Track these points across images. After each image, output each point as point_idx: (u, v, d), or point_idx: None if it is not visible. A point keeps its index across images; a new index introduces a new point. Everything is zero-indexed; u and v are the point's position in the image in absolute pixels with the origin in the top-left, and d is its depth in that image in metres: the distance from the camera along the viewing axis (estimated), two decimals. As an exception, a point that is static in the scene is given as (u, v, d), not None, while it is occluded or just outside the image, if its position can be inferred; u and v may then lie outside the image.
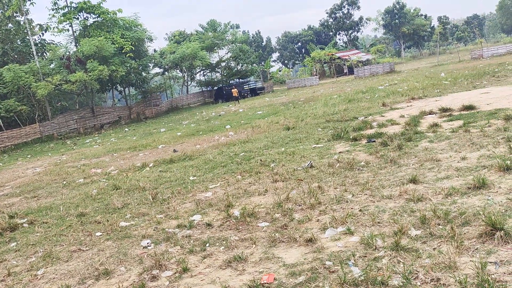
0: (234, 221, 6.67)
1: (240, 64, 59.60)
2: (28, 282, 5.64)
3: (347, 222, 5.78)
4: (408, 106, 16.39)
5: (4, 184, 15.35)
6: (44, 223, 8.57)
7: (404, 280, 4.02)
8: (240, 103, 37.21)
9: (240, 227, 6.39)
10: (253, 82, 56.06)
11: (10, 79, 34.58)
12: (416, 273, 4.13)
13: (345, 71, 62.34)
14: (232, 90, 42.42)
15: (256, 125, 18.56)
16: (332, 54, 63.76)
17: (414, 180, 6.95)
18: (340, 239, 5.34)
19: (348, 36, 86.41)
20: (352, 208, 6.32)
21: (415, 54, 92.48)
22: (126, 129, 33.53)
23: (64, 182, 13.27)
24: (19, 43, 42.03)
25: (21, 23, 40.97)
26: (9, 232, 8.24)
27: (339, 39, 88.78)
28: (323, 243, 5.29)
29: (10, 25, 41.11)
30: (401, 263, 4.38)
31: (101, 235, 7.19)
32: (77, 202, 10.01)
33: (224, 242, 5.91)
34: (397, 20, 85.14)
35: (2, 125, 34.67)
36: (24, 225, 8.58)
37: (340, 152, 10.41)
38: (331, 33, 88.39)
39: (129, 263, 5.76)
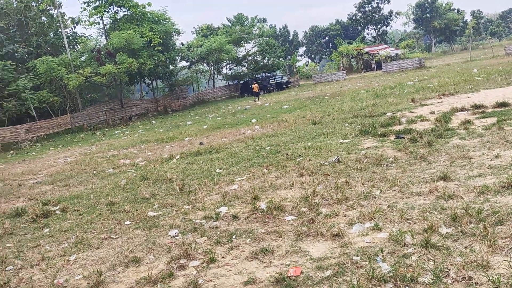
0: (260, 214, 6.70)
1: (267, 58, 59.49)
2: (61, 267, 5.82)
3: (375, 218, 5.72)
4: (438, 102, 16.04)
5: (37, 172, 15.83)
6: (76, 210, 8.81)
7: (434, 278, 3.96)
8: (259, 100, 36.53)
9: (267, 220, 6.41)
10: (279, 76, 55.85)
11: (43, 70, 35.54)
12: (447, 271, 4.06)
13: (373, 66, 61.44)
14: (253, 85, 40.54)
15: (282, 119, 18.53)
16: (360, 49, 62.88)
17: (445, 178, 6.82)
18: (368, 234, 5.30)
19: (377, 30, 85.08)
20: (380, 204, 6.25)
21: (446, 49, 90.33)
22: (153, 121, 34.00)
23: (94, 172, 13.59)
24: (52, 36, 43.11)
25: (54, 16, 41.97)
26: (43, 218, 8.51)
27: (368, 34, 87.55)
28: (351, 238, 5.26)
29: (43, 18, 42.18)
30: (431, 260, 4.32)
31: (130, 223, 7.34)
32: (107, 191, 10.24)
33: (251, 234, 5.95)
34: (428, 14, 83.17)
35: (35, 115, 35.70)
36: (56, 212, 8.84)
37: (368, 147, 10.29)
38: (359, 28, 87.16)
39: (158, 252, 5.86)
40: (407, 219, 5.53)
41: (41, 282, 5.41)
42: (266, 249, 5.26)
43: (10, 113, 34.45)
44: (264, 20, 64.60)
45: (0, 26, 37.58)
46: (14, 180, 14.70)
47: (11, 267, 6.09)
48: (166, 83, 49.26)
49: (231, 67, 61.61)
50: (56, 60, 36.55)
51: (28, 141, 31.79)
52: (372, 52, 62.49)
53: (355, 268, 4.45)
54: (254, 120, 21.00)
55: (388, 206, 6.09)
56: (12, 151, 27.67)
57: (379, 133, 11.63)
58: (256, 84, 40.32)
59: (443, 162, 7.89)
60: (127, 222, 7.41)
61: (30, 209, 9.23)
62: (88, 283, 5.12)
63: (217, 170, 10.56)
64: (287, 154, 10.98)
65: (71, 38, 43.73)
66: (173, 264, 5.34)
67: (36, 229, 7.94)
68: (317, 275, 4.46)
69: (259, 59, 59.63)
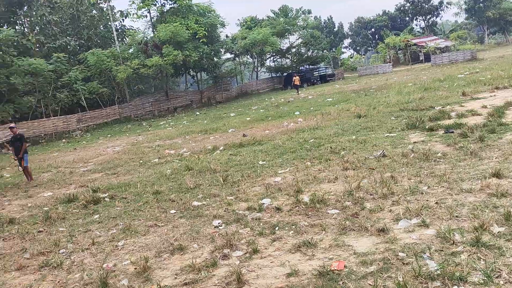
0: (303, 206, 6.68)
1: (311, 50, 58.82)
2: (110, 252, 6.06)
3: (422, 214, 5.57)
4: (491, 96, 15.32)
5: (88, 160, 16.50)
6: (123, 198, 9.12)
7: (485, 278, 3.81)
8: (302, 93, 36.07)
9: (310, 213, 6.39)
10: (323, 68, 55.08)
11: (93, 62, 36.85)
12: (499, 272, 3.90)
13: (421, 58, 59.36)
14: (294, 78, 39.23)
15: (326, 112, 18.31)
16: (408, 41, 60.91)
17: (497, 174, 6.52)
18: (415, 231, 5.16)
19: (426, 21, 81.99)
20: (427, 200, 6.07)
21: (500, 41, 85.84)
22: (197, 113, 34.54)
23: (141, 161, 13.99)
24: (102, 29, 44.58)
25: (104, 9, 43.35)
26: (93, 205, 8.88)
27: (416, 25, 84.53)
28: (396, 234, 5.15)
29: (94, 11, 43.66)
30: (482, 260, 4.16)
31: (175, 212, 7.52)
32: (153, 180, 10.53)
33: (294, 226, 5.95)
34: (481, 4, 79.16)
35: (86, 105, 37.15)
36: (105, 199, 9.20)
37: (415, 142, 10.00)
38: (407, 18, 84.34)
39: (202, 241, 5.98)
40: (456, 217, 5.34)
41: (91, 266, 5.65)
42: (309, 242, 5.25)
43: (62, 103, 36.04)
44: (309, 12, 63.64)
45: (54, 20, 39.25)
46: (66, 167, 15.40)
47: (64, 250, 6.41)
48: (210, 75, 49.81)
49: (274, 59, 61.39)
50: (105, 52, 37.76)
51: (79, 130, 33.17)
52: (420, 44, 60.36)
53: (401, 265, 4.36)
54: (297, 113, 20.89)
55: (436, 203, 5.91)
56: (64, 140, 28.98)
57: (427, 127, 11.26)
58: (297, 77, 39.39)
59: (495, 158, 7.55)
60: (172, 211, 7.60)
61: (81, 195, 9.65)
62: (135, 268, 5.31)
63: (260, 162, 10.60)
64: (330, 147, 10.86)
65: (119, 31, 45.03)
66: (217, 253, 5.44)
67: (87, 215, 8.29)
68: (361, 270, 4.41)
69: (303, 51, 59.04)
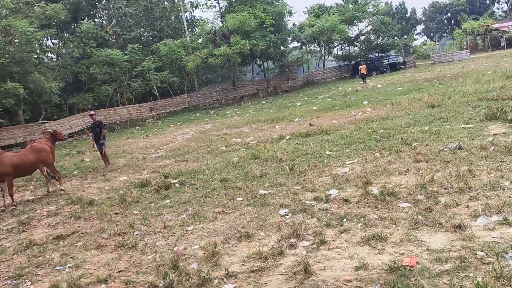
0: (372, 199, 6.49)
1: (381, 38, 56.74)
2: (180, 236, 6.29)
3: (503, 211, 5.19)
4: None
5: (159, 147, 17.21)
6: (193, 184, 9.41)
7: None
8: (370, 81, 34.85)
9: (379, 206, 6.20)
10: (394, 56, 52.93)
11: (165, 52, 38.23)
12: None
13: (502, 44, 55.18)
14: (360, 66, 37.56)
15: (397, 102, 17.62)
16: (488, 25, 56.78)
17: None
18: (495, 229, 4.83)
19: (509, 4, 75.89)
20: (510, 197, 5.65)
21: None
22: (264, 102, 34.72)
23: (209, 149, 14.34)
24: (173, 19, 46.04)
25: (175, 1, 44.68)
26: (164, 190, 9.25)
27: (498, 8, 78.57)
28: (474, 231, 4.85)
29: (166, 3, 45.19)
30: None
31: (242, 200, 7.63)
32: (221, 168, 10.75)
33: (362, 219, 5.80)
34: None
35: (157, 94, 38.72)
36: (176, 185, 9.54)
37: (495, 134, 9.33)
38: (487, 2, 78.60)
39: (268, 229, 6.02)
40: (544, 216, 4.92)
41: (163, 248, 5.90)
42: (379, 236, 5.09)
43: (136, 92, 37.86)
44: (379, -3, 61.36)
45: (129, 12, 41.12)
46: (139, 153, 16.18)
47: (138, 232, 6.74)
48: (277, 64, 49.78)
49: (342, 47, 59.96)
50: (176, 42, 38.99)
51: (151, 118, 34.67)
52: (502, 29, 56.07)
53: (480, 264, 4.10)
54: (365, 102, 20.31)
55: (520, 200, 5.48)
56: (137, 127, 30.44)
57: (509, 118, 10.46)
58: (363, 66, 37.89)
59: None
60: (239, 199, 7.71)
61: (153, 180, 10.09)
62: (204, 253, 5.46)
63: (327, 152, 10.45)
64: (401, 138, 10.44)
65: (190, 21, 46.23)
66: (283, 242, 5.44)
67: (159, 199, 8.66)
68: (435, 268, 4.20)
69: (372, 38, 57.11)
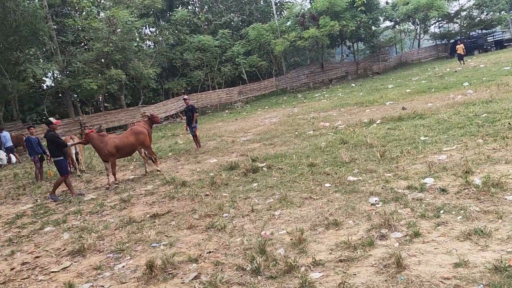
0: (474, 189, 5.95)
1: (485, 13, 51.84)
2: (267, 220, 6.31)
3: None
4: None
5: (247, 130, 17.51)
6: (280, 168, 9.41)
7: None
8: (469, 61, 31.82)
9: (482, 198, 5.67)
10: (500, 33, 48.19)
11: (254, 37, 38.65)
12: None
13: None
14: (457, 46, 33.91)
15: (503, 83, 16.02)
16: None
17: None
18: None
19: None
20: None
21: None
22: (353, 85, 33.70)
23: (296, 133, 14.26)
24: (262, 3, 46.25)
25: (264, -15, 44.83)
26: (252, 173, 9.37)
27: None
28: None
29: (256, -15, 45.58)
30: None
31: (329, 186, 7.46)
32: (308, 152, 10.62)
33: (462, 211, 5.35)
34: None
35: (246, 78, 39.39)
36: (263, 168, 9.62)
37: None
38: None
39: (357, 218, 5.81)
40: None
41: (250, 232, 5.97)
42: (482, 231, 4.66)
43: (226, 76, 38.86)
44: (485, -32, 55.95)
45: (220, -2, 42.12)
46: (228, 136, 16.60)
47: (227, 214, 6.90)
48: (368, 45, 47.96)
49: (440, 25, 55.91)
50: (265, 26, 39.19)
51: (239, 102, 35.43)
52: None
53: None
54: (466, 84, 18.76)
55: None
56: (227, 110, 31.30)
57: None
58: (461, 45, 34.46)
59: None
60: (327, 185, 7.55)
61: (241, 164, 10.28)
62: (291, 239, 5.42)
63: (422, 138, 9.82)
64: (509, 123, 9.46)
65: (278, 4, 46.10)
66: (373, 232, 5.22)
67: (246, 182, 8.79)
68: (550, 271, 3.74)
69: (475, 14, 52.41)
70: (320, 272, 4.49)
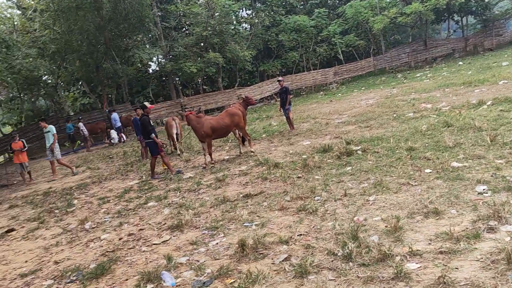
0: None
1: None
2: (361, 206, 6.08)
3: None
4: None
5: (342, 112, 17.05)
6: (376, 152, 9.01)
7: None
8: None
9: None
10: None
11: (351, 15, 37.30)
12: None
13: None
14: None
15: None
16: None
17: None
18: None
19: None
20: None
21: None
22: (460, 63, 31.08)
23: (394, 115, 13.54)
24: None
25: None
26: (346, 156, 9.10)
27: None
28: None
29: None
30: None
31: (430, 172, 6.96)
32: (407, 135, 10.03)
33: None
34: None
35: (342, 58, 38.33)
36: (358, 152, 9.29)
37: None
38: None
39: (461, 207, 5.34)
40: None
41: (343, 216, 5.80)
42: None
43: (321, 57, 38.17)
44: None
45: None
46: (322, 118, 16.31)
47: (319, 197, 6.78)
48: (479, 18, 43.73)
49: None
50: (363, 3, 37.56)
51: (335, 83, 34.63)
52: None
53: None
54: None
55: None
56: (322, 92, 30.80)
57: None
58: None
59: None
60: (427, 170, 7.06)
61: (335, 146, 10.03)
62: (386, 226, 5.16)
63: (542, 121, 8.74)
64: None
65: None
66: (480, 224, 4.76)
67: (340, 165, 8.55)
68: None
69: None
70: (417, 263, 4.21)
